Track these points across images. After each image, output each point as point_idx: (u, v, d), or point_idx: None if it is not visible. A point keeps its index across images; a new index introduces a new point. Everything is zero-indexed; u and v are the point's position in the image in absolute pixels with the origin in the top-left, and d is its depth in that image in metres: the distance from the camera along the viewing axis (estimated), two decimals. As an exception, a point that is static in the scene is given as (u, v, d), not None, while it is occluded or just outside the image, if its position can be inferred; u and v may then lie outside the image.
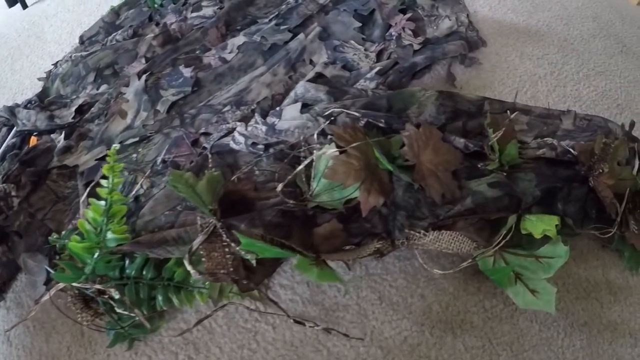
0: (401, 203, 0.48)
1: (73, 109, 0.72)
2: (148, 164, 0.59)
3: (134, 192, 0.54)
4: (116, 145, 0.48)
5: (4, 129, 0.71)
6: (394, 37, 0.73)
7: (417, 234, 0.47)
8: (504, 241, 0.46)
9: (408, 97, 0.60)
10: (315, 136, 0.54)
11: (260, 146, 0.56)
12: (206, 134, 0.62)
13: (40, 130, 0.70)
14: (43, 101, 0.76)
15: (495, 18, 0.84)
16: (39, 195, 0.60)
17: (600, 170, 0.51)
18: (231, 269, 0.44)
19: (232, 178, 0.50)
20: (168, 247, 0.46)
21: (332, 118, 0.55)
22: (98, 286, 0.45)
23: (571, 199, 0.50)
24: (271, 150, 0.56)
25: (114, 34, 0.85)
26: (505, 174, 0.51)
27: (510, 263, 0.47)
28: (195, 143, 0.61)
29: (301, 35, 0.73)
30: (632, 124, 0.59)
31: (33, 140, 0.69)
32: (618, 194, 0.51)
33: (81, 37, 0.89)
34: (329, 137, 0.53)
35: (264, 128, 0.58)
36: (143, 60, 0.77)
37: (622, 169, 0.53)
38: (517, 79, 0.72)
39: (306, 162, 0.49)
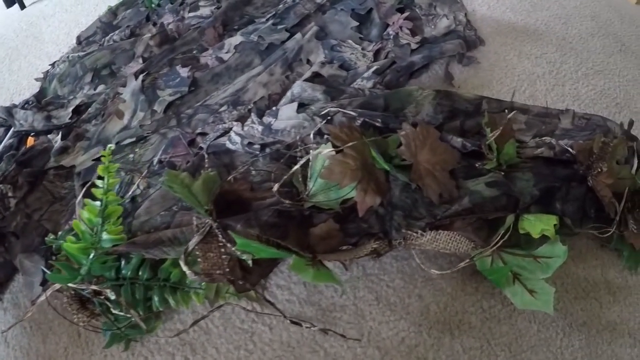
0: (398, 203, 0.47)
1: (70, 109, 0.72)
2: (145, 164, 0.59)
3: (130, 193, 0.54)
4: (111, 146, 0.48)
5: (1, 130, 0.71)
6: (392, 37, 0.73)
7: (415, 234, 0.47)
8: (501, 241, 0.46)
9: (405, 96, 0.59)
10: (311, 136, 0.54)
11: (257, 146, 0.56)
12: (203, 134, 0.61)
13: (38, 130, 0.70)
14: (40, 102, 0.76)
15: (493, 17, 0.84)
16: (36, 196, 0.60)
17: (599, 170, 0.51)
18: (227, 270, 0.44)
19: (228, 178, 0.50)
20: (164, 248, 0.46)
21: (329, 117, 0.55)
22: (94, 287, 0.45)
23: (570, 198, 0.50)
24: (267, 150, 0.55)
25: (111, 34, 0.85)
26: (503, 173, 0.51)
27: (508, 263, 0.46)
28: (191, 143, 0.60)
29: (298, 35, 0.73)
30: (631, 123, 0.59)
31: (30, 141, 0.69)
32: (617, 193, 0.51)
33: (78, 38, 0.89)
34: (326, 136, 0.53)
35: (260, 128, 0.58)
36: (140, 61, 0.77)
37: (621, 168, 0.53)
38: (516, 78, 0.72)
39: (302, 161, 0.49)
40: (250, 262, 0.45)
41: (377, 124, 0.54)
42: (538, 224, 0.46)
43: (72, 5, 1.02)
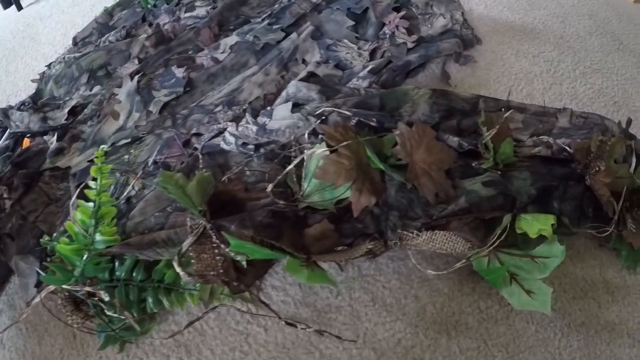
0: (394, 203, 0.47)
1: (66, 110, 0.72)
2: (140, 165, 0.59)
3: (125, 194, 0.54)
4: (104, 146, 0.47)
5: (-3, 131, 0.71)
6: (388, 36, 0.73)
7: (410, 234, 0.46)
8: (498, 241, 0.45)
9: (401, 95, 0.59)
10: (306, 136, 0.54)
11: (251, 146, 0.56)
12: (197, 135, 0.61)
13: (33, 132, 0.70)
14: (36, 103, 0.76)
15: (490, 16, 0.83)
16: (31, 198, 0.59)
17: (597, 169, 0.50)
18: (221, 271, 0.44)
19: (223, 179, 0.50)
20: (158, 249, 0.46)
21: (323, 117, 0.55)
22: (88, 288, 0.45)
23: (567, 197, 0.49)
24: (262, 150, 0.55)
25: (107, 35, 0.85)
26: (499, 172, 0.50)
27: (505, 263, 0.46)
28: (186, 144, 0.60)
29: (294, 35, 0.73)
30: (629, 122, 0.58)
31: (26, 142, 0.69)
32: (615, 192, 0.50)
33: (74, 39, 0.89)
34: (320, 136, 0.52)
35: (254, 128, 0.57)
36: (136, 61, 0.77)
37: (619, 166, 0.53)
38: (513, 77, 0.72)
39: (296, 161, 0.48)
40: (244, 263, 0.44)
41: (372, 124, 0.53)
42: (535, 224, 0.46)
43: (69, 6, 1.02)
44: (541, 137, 0.57)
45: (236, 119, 0.61)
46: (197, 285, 0.46)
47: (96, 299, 0.46)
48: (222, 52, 0.73)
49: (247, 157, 0.55)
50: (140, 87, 0.69)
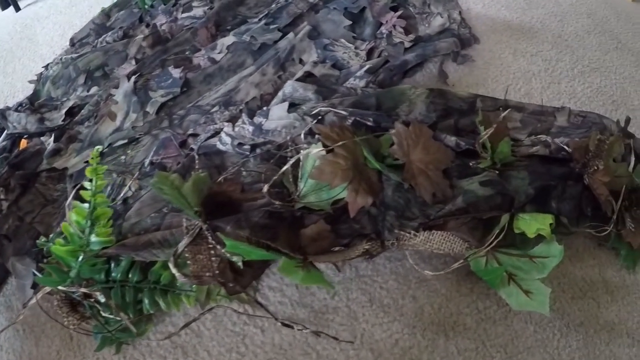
0: (391, 203, 0.47)
1: (63, 111, 0.71)
2: (136, 166, 0.59)
3: (122, 195, 0.54)
4: (99, 147, 0.47)
5: (-5, 132, 0.71)
6: (385, 35, 0.73)
7: (408, 234, 0.46)
8: (496, 241, 0.45)
9: (398, 95, 0.59)
10: (302, 136, 0.53)
11: (247, 146, 0.56)
12: (194, 135, 0.61)
13: (31, 133, 0.69)
14: (34, 104, 0.76)
15: (488, 15, 0.83)
16: (28, 199, 0.59)
17: (595, 168, 0.50)
18: (217, 272, 0.43)
19: (219, 179, 0.50)
20: (154, 250, 0.45)
21: (320, 117, 0.55)
22: (84, 289, 0.45)
23: (566, 197, 0.49)
24: (258, 150, 0.55)
25: (104, 35, 0.85)
26: (497, 172, 0.50)
27: (503, 263, 0.46)
28: (183, 144, 0.60)
29: (290, 35, 0.73)
30: (628, 120, 0.58)
31: (23, 143, 0.68)
32: (614, 191, 0.50)
33: (72, 39, 0.89)
34: (317, 136, 0.52)
35: (250, 128, 0.57)
36: (133, 62, 0.77)
37: (618, 165, 0.52)
38: (511, 76, 0.71)
39: (292, 161, 0.48)
40: (240, 264, 0.44)
41: (369, 123, 0.53)
42: (533, 223, 0.46)
43: (66, 7, 1.02)
44: (539, 136, 0.57)
45: (233, 119, 0.61)
46: (194, 286, 0.45)
47: (92, 300, 0.46)
48: (219, 53, 0.73)
49: (243, 157, 0.55)
50: (137, 87, 0.69)
